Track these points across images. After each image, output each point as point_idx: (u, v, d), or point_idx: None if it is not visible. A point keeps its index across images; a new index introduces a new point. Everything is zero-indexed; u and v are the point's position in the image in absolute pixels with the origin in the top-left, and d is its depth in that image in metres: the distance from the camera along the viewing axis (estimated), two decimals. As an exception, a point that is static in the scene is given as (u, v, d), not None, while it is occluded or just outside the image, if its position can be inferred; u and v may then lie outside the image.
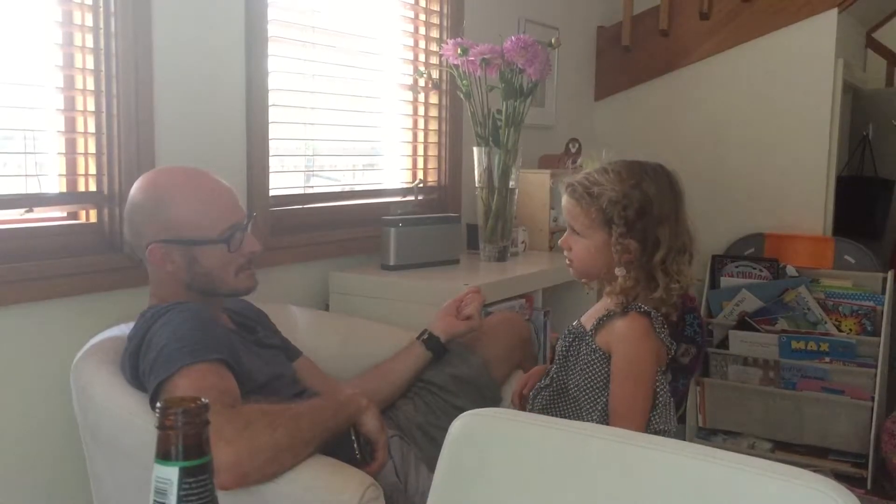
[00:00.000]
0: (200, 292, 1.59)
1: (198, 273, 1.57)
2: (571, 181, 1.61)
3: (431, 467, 1.61)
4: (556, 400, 1.67)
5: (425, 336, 1.89)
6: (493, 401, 1.87)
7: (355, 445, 1.49)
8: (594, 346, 1.60)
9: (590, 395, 1.59)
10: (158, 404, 0.68)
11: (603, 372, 1.58)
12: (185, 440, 0.67)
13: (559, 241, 1.69)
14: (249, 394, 1.44)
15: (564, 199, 1.63)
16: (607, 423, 1.55)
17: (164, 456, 0.67)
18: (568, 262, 1.67)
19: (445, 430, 1.05)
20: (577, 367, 1.63)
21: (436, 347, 1.88)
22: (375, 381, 1.83)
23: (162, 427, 0.67)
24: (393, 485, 1.58)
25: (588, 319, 1.67)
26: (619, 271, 1.56)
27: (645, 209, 1.54)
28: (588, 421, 1.58)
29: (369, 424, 1.49)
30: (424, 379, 1.88)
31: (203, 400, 0.69)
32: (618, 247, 1.54)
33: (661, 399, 1.57)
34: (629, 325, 1.55)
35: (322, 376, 1.82)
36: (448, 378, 1.86)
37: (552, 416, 1.65)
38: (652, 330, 1.56)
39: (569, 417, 1.63)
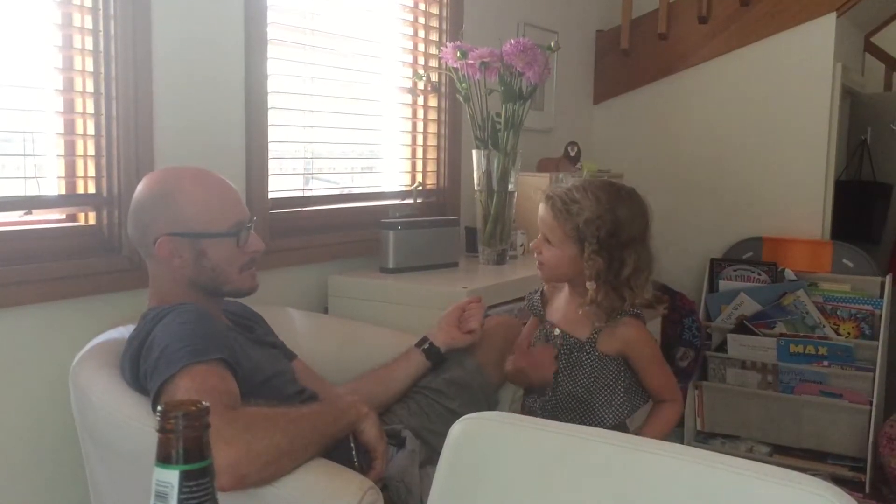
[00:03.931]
0: (203, 290, 1.59)
1: (204, 268, 1.57)
2: (552, 194, 1.70)
3: (430, 468, 1.62)
4: (564, 407, 1.74)
5: (426, 345, 1.88)
6: (489, 404, 1.87)
7: (353, 452, 1.49)
8: (598, 355, 1.70)
9: (603, 395, 1.71)
10: (159, 408, 0.68)
11: (613, 372, 1.70)
12: (185, 444, 0.66)
13: (531, 244, 1.77)
14: (251, 390, 1.44)
15: (542, 209, 1.72)
16: (622, 418, 1.71)
17: (164, 459, 0.67)
18: (539, 264, 1.76)
19: (440, 433, 1.05)
20: (582, 374, 1.71)
21: (435, 357, 1.87)
22: (372, 386, 1.83)
23: (163, 430, 0.67)
24: (405, 467, 1.58)
25: (572, 327, 1.73)
26: (589, 285, 1.67)
27: (615, 232, 1.65)
28: (603, 418, 1.71)
29: (369, 432, 1.49)
30: (419, 382, 1.88)
31: (203, 403, 0.68)
32: (589, 262, 1.66)
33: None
34: (636, 328, 1.71)
35: (318, 379, 1.82)
36: (443, 382, 1.85)
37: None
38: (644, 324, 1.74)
39: (581, 419, 1.72)
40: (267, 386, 1.54)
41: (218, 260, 1.58)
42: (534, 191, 2.93)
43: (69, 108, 1.82)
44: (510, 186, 2.61)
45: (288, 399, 1.55)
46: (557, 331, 1.75)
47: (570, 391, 1.72)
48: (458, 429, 1.03)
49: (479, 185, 2.63)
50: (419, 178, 2.89)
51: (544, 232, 1.71)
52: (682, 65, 3.65)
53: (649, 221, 1.71)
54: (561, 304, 1.78)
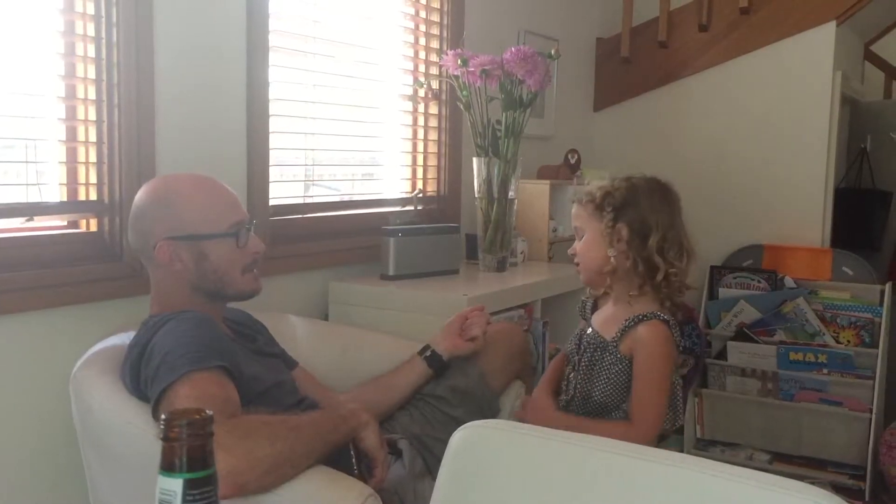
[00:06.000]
0: (206, 294, 1.59)
1: (206, 271, 1.57)
2: (578, 192, 1.77)
3: (428, 478, 1.62)
4: (579, 408, 1.74)
5: (428, 353, 1.88)
6: (491, 412, 1.87)
7: (353, 460, 1.49)
8: (619, 356, 1.69)
9: (615, 400, 1.69)
10: (163, 416, 0.68)
11: (626, 377, 1.68)
12: (189, 452, 0.67)
13: (568, 251, 1.81)
14: (251, 401, 1.44)
15: (573, 210, 1.77)
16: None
17: (168, 467, 0.67)
18: (577, 267, 1.79)
19: (442, 440, 1.05)
20: (601, 376, 1.71)
21: (437, 365, 1.87)
22: (374, 394, 1.83)
23: (166, 439, 0.67)
24: (400, 479, 1.58)
25: (604, 328, 1.74)
26: (611, 252, 1.68)
27: (631, 198, 1.68)
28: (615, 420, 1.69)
29: (369, 440, 1.49)
30: (422, 390, 1.88)
31: (207, 412, 0.69)
32: (608, 230, 1.68)
33: (676, 399, 1.71)
34: (651, 330, 1.66)
35: (319, 387, 1.82)
36: (446, 389, 1.85)
37: None
38: (672, 336, 1.67)
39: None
40: (266, 396, 1.54)
41: (219, 262, 1.58)
42: (534, 198, 2.94)
43: (71, 115, 1.83)
44: (510, 194, 2.62)
45: (287, 410, 1.55)
46: (590, 329, 1.77)
47: (587, 392, 1.72)
48: (458, 437, 1.03)
49: (479, 192, 2.63)
50: (420, 185, 2.89)
51: (575, 227, 1.77)
52: (683, 72, 3.66)
53: (674, 201, 1.73)
54: (607, 311, 1.79)
